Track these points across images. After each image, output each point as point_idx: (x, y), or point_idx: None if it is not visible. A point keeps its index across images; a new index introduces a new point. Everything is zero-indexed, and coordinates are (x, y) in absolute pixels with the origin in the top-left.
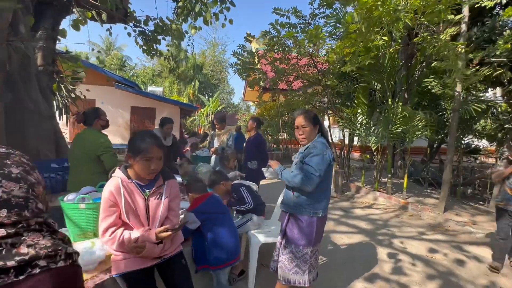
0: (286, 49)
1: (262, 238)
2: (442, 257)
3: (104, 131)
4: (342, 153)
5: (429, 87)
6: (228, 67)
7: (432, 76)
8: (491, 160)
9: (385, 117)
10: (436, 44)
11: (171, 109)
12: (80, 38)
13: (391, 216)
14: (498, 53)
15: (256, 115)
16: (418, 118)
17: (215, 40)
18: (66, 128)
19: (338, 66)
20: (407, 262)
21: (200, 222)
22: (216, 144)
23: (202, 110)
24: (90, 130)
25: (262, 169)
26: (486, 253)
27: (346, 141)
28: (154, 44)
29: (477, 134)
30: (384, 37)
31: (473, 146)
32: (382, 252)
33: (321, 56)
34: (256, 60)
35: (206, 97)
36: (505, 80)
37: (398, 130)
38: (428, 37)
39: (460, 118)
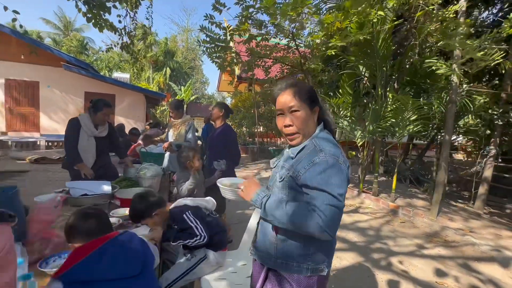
0: (264, 27)
1: None
2: (454, 284)
3: (54, 118)
4: None
5: (433, 68)
6: (202, 55)
7: (435, 58)
8: (460, 156)
9: (373, 109)
10: (440, 18)
11: (134, 97)
12: (34, 14)
13: (382, 223)
14: (504, 35)
15: (231, 106)
16: (411, 109)
17: (188, 26)
18: None
19: (323, 49)
20: None
21: None
22: (171, 137)
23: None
24: None
25: (218, 183)
26: (499, 273)
27: None
28: (102, 13)
29: (456, 129)
30: (380, 12)
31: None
32: (381, 279)
33: (304, 36)
34: (228, 37)
35: (179, 86)
36: (503, 71)
37: (388, 124)
38: (433, 10)
39: (442, 113)
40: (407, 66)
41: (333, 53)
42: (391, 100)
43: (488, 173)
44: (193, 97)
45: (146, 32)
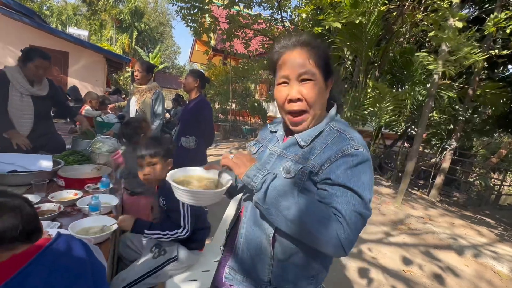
0: None
1: None
2: (419, 272)
3: None
4: None
5: (412, 59)
6: (173, 18)
7: (424, 50)
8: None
9: (353, 96)
10: (436, 6)
11: (92, 57)
12: None
13: None
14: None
15: None
16: (389, 99)
17: None
18: None
19: (309, 25)
20: (385, 283)
21: None
22: (134, 105)
23: None
24: None
25: (169, 178)
26: (455, 260)
27: None
28: None
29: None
30: None
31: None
32: (351, 267)
33: (291, 9)
34: None
35: (146, 52)
36: (475, 69)
37: (365, 112)
38: None
39: (413, 105)
40: (391, 54)
41: (319, 31)
42: (371, 88)
43: (446, 164)
44: (162, 65)
45: None
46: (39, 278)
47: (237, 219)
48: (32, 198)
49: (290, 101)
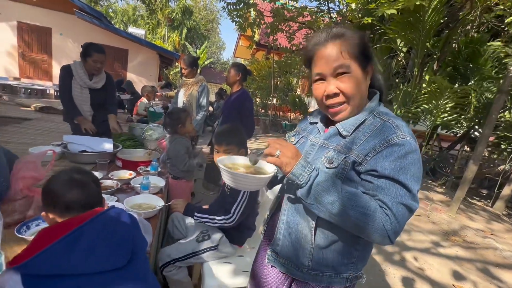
0: None
1: (229, 279)
2: None
3: None
4: None
5: (480, 51)
6: (220, 14)
7: (498, 40)
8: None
9: (405, 91)
10: None
11: (147, 54)
12: None
13: None
14: None
15: None
16: (448, 95)
17: None
18: None
19: (359, 15)
20: None
21: None
22: (182, 98)
23: None
24: None
25: (219, 162)
26: None
27: None
28: None
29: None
30: None
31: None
32: (394, 275)
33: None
34: None
35: (194, 48)
36: None
37: (419, 109)
38: None
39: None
40: (454, 44)
41: (370, 21)
42: (427, 82)
43: None
44: (208, 61)
45: None
46: (90, 236)
47: (277, 206)
48: (96, 174)
49: (328, 96)
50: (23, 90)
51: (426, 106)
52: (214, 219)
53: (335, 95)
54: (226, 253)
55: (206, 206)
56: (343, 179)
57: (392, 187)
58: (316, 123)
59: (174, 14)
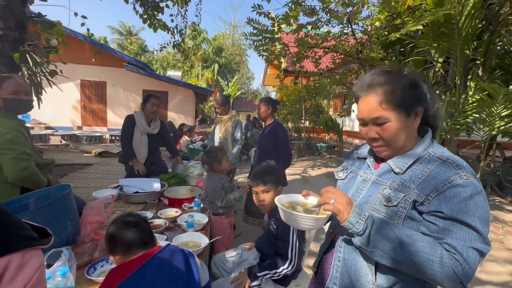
0: (315, 14)
1: None
2: None
3: (118, 113)
4: None
5: None
6: (248, 48)
7: None
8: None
9: (449, 101)
10: None
11: (185, 93)
12: (101, 23)
13: None
14: None
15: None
16: (503, 101)
17: (235, 22)
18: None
19: (385, 33)
20: None
21: None
22: (218, 134)
23: None
24: None
25: (277, 202)
26: None
27: None
28: (156, 13)
29: None
30: None
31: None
32: None
33: (361, 20)
34: (275, 28)
35: (225, 82)
36: None
37: (469, 120)
38: None
39: None
40: (498, 47)
41: (397, 37)
42: (473, 90)
43: None
44: (239, 92)
45: (196, 30)
46: (150, 275)
47: (330, 242)
48: (148, 213)
49: (369, 139)
50: (85, 137)
51: (477, 115)
52: (276, 272)
53: (375, 140)
54: None
55: (251, 244)
56: (403, 218)
57: (459, 230)
58: (365, 158)
59: (206, 55)
